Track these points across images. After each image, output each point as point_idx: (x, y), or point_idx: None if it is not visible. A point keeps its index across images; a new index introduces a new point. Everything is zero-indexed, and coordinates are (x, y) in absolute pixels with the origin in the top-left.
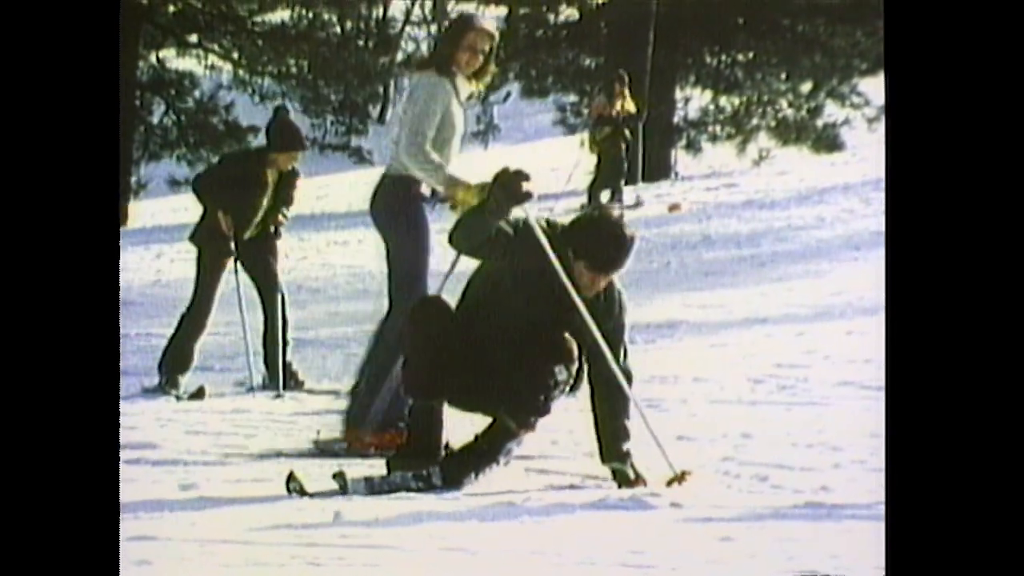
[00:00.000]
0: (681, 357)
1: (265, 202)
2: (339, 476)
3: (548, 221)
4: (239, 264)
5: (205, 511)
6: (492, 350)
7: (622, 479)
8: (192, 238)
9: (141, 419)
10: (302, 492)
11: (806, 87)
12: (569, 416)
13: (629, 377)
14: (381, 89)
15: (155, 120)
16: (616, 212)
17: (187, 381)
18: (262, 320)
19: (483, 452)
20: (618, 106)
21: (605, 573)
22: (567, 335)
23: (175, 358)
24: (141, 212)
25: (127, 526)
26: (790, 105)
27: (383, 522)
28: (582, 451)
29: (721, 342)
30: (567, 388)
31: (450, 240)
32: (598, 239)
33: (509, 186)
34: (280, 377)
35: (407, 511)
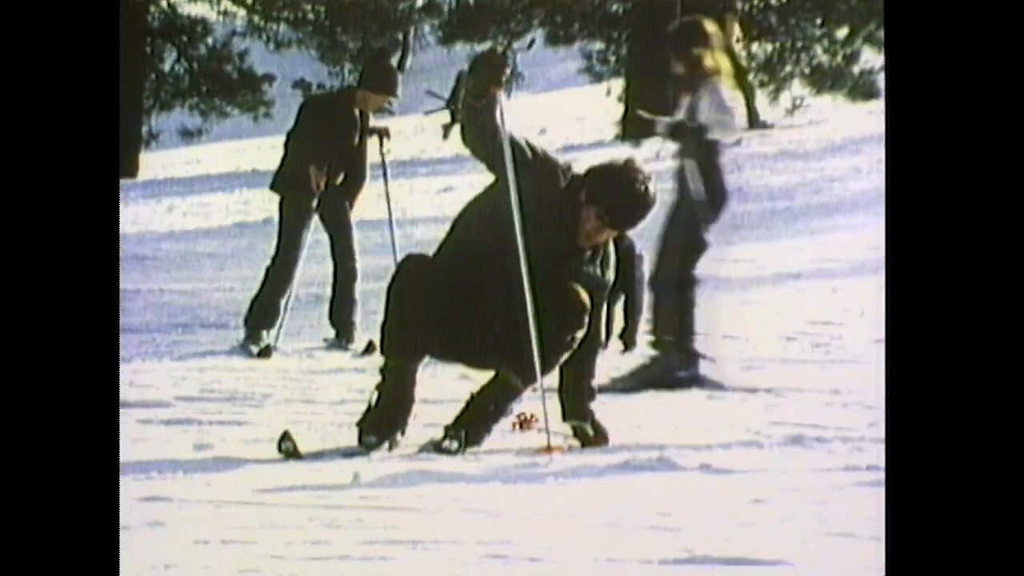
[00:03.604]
0: (711, 314)
1: (356, 141)
2: (286, 438)
3: (568, 166)
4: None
5: (220, 472)
6: (486, 299)
7: (582, 436)
8: (272, 186)
9: (154, 377)
10: (295, 453)
11: (842, 32)
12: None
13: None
14: (401, 36)
15: (166, 68)
16: (645, 168)
17: (271, 337)
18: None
19: (491, 413)
20: (732, 39)
21: (632, 536)
22: (578, 287)
23: (260, 313)
24: (152, 164)
25: (140, 487)
26: (825, 51)
27: (403, 484)
28: (608, 413)
29: (753, 298)
30: (578, 343)
31: (463, 137)
32: (619, 191)
33: (484, 68)
34: (353, 333)
35: (428, 472)
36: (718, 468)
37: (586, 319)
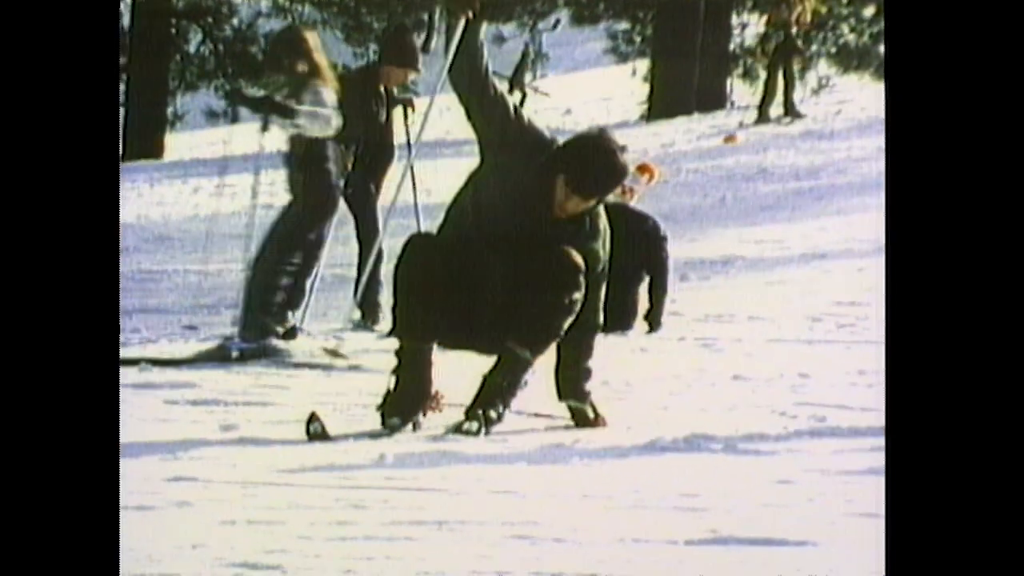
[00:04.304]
0: (737, 294)
1: (384, 118)
2: (314, 420)
3: (553, 140)
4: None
5: (246, 452)
6: (484, 280)
7: (580, 418)
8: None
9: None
10: (323, 435)
11: (868, 11)
12: (622, 358)
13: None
14: (426, 16)
15: (192, 49)
16: (618, 140)
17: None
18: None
19: (505, 389)
20: (795, 14)
21: (657, 517)
22: (570, 250)
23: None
24: (178, 144)
25: (166, 467)
26: (852, 30)
27: (429, 464)
28: (634, 392)
29: (778, 279)
30: (579, 307)
31: (449, 71)
32: (586, 158)
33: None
34: (378, 315)
35: (454, 453)
36: (744, 449)
37: (581, 280)
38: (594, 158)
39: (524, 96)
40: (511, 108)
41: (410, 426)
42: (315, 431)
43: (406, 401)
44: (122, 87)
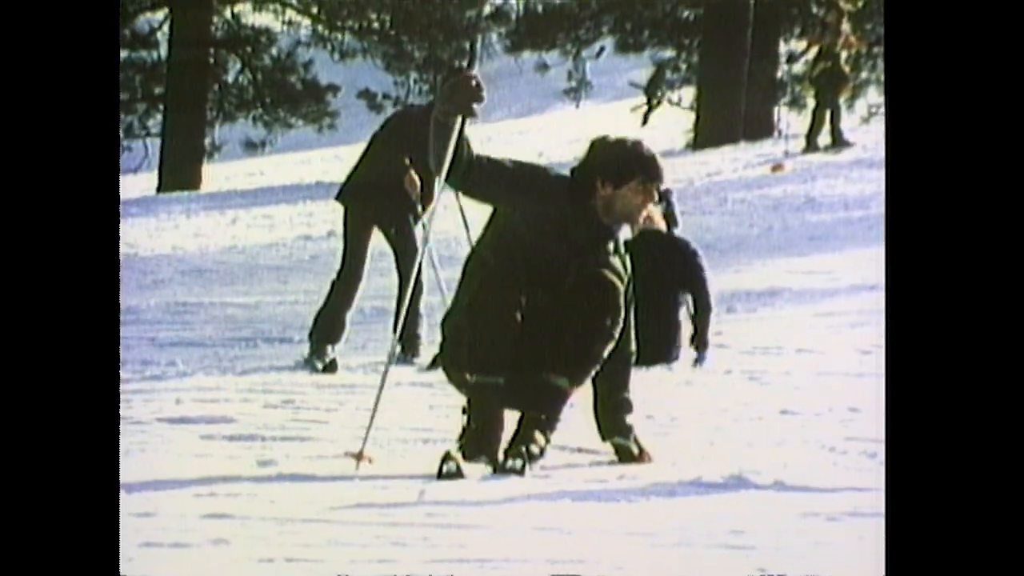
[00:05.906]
0: (784, 327)
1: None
2: (448, 460)
3: (557, 174)
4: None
5: (284, 488)
6: (524, 313)
7: (625, 455)
8: (338, 197)
9: (217, 392)
10: (458, 474)
11: None
12: (667, 392)
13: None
14: (468, 45)
15: (230, 79)
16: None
17: (337, 352)
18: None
19: (544, 423)
20: (840, 40)
21: (704, 554)
22: (607, 273)
23: (325, 328)
24: (215, 175)
25: (202, 503)
26: None
27: (471, 502)
28: (680, 429)
29: (827, 310)
30: (617, 335)
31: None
32: (610, 151)
33: (457, 93)
34: (418, 347)
35: (496, 490)
36: (792, 485)
37: (620, 302)
38: (617, 149)
39: (656, 106)
40: (507, 165)
41: (490, 466)
42: (449, 471)
43: (484, 439)
44: (159, 117)
